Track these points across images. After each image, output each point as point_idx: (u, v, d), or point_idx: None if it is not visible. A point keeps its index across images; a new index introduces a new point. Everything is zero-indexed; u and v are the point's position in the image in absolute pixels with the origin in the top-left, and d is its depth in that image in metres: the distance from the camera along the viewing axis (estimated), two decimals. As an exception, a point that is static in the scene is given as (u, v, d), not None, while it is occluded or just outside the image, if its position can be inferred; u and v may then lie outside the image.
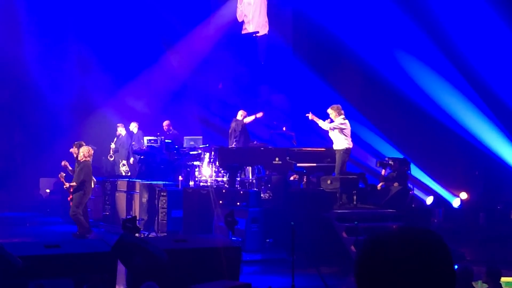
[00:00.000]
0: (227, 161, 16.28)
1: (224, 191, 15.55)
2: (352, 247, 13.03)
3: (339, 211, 14.50)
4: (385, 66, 18.94)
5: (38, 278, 7.85)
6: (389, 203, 15.09)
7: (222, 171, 16.96)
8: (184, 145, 19.36)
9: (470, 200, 18.01)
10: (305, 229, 12.78)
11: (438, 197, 17.77)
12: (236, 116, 18.22)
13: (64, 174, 15.20)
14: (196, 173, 17.40)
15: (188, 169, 17.95)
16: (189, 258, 9.11)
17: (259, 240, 14.30)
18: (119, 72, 23.32)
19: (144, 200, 16.95)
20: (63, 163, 15.55)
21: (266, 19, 22.31)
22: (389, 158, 16.45)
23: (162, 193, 16.30)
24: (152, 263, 8.57)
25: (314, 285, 10.97)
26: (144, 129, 21.53)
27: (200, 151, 17.94)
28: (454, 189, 18.10)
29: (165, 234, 15.67)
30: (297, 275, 10.10)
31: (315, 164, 16.06)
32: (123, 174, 21.11)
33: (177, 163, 18.85)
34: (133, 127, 21.54)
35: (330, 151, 15.73)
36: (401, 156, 16.89)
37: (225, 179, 16.78)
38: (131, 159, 21.13)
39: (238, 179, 16.48)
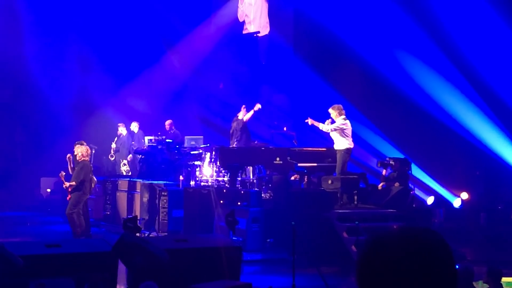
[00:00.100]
0: (228, 161, 16.28)
1: (225, 191, 15.55)
2: (353, 247, 13.03)
3: (340, 211, 14.50)
4: (386, 66, 18.93)
5: (39, 278, 7.85)
6: (390, 203, 15.09)
7: (223, 171, 16.95)
8: (185, 145, 19.37)
9: (471, 200, 18.00)
10: (306, 229, 12.78)
11: (439, 197, 17.76)
12: (237, 116, 18.23)
13: (64, 173, 15.19)
14: (197, 173, 17.40)
15: (189, 168, 17.95)
16: (190, 258, 9.11)
17: (260, 240, 14.30)
18: (120, 72, 23.33)
19: (145, 199, 16.96)
20: (60, 174, 15.50)
21: (267, 20, 22.31)
22: (390, 158, 16.45)
23: (163, 193, 16.30)
24: (153, 263, 8.57)
25: (315, 285, 10.97)
26: (145, 129, 21.54)
27: (201, 151, 17.94)
28: (455, 189, 18.09)
29: (166, 233, 15.66)
30: (297, 275, 10.10)
31: (316, 164, 16.07)
32: (124, 173, 21.12)
33: (178, 163, 18.85)
34: (134, 126, 21.56)
35: (331, 151, 15.73)
36: (402, 156, 16.89)
37: (226, 179, 16.78)
38: (129, 156, 21.12)
39: (239, 179, 16.48)
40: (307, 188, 15.94)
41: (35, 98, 23.45)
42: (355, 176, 15.55)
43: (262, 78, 22.44)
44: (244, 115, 17.95)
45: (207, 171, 17.15)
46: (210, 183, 16.70)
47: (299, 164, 15.62)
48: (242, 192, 15.08)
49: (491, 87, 17.60)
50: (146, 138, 20.20)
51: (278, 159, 15.75)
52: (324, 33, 19.99)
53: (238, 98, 19.81)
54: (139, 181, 17.63)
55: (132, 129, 21.60)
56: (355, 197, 15.08)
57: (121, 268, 9.10)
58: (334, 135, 15.22)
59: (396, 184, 15.60)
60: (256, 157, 16.38)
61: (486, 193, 18.23)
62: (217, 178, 16.98)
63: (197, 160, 17.70)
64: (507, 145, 17.72)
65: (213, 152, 17.05)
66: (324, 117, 15.65)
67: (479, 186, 18.43)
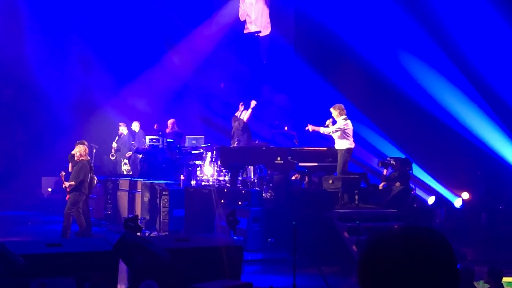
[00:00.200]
0: (229, 160, 16.28)
1: (226, 190, 15.56)
2: (354, 247, 13.02)
3: (340, 210, 14.50)
4: (387, 66, 18.93)
5: (40, 277, 7.86)
6: (390, 203, 15.09)
7: (224, 171, 16.95)
8: (186, 144, 19.38)
9: (472, 200, 18.00)
10: (307, 229, 12.78)
11: (440, 197, 17.76)
12: (235, 115, 18.25)
13: (64, 173, 15.19)
14: (198, 172, 17.40)
15: (190, 168, 17.96)
16: (191, 257, 9.12)
17: (261, 239, 14.30)
18: (121, 71, 23.34)
19: (146, 199, 16.96)
20: (61, 173, 15.48)
21: (269, 20, 22.32)
22: (391, 158, 16.45)
23: (164, 192, 16.31)
24: (154, 262, 8.57)
25: (316, 285, 10.97)
26: (146, 128, 21.54)
27: (202, 150, 17.94)
28: (456, 189, 18.09)
29: (167, 233, 15.67)
30: (298, 275, 10.09)
31: (317, 164, 16.06)
32: (125, 173, 21.13)
33: (179, 162, 18.86)
34: (135, 126, 21.57)
35: (332, 151, 15.72)
36: (403, 156, 16.88)
37: (227, 178, 16.78)
38: (129, 153, 21.09)
39: (240, 178, 16.48)
40: (308, 188, 15.93)
41: (36, 98, 23.46)
42: (356, 176, 15.55)
43: (263, 78, 22.45)
44: (244, 115, 17.97)
45: (208, 171, 17.15)
46: (211, 183, 16.71)
47: (300, 164, 15.62)
48: (243, 191, 15.08)
49: (492, 87, 17.59)
50: (147, 137, 20.20)
51: (279, 158, 15.75)
52: (325, 33, 19.99)
53: (239, 98, 19.80)
54: (140, 181, 17.63)
55: (133, 129, 21.60)
56: (356, 197, 15.08)
57: (122, 268, 9.10)
58: (335, 135, 15.21)
59: (397, 184, 15.59)
60: (257, 157, 16.38)
61: (487, 193, 18.22)
62: (218, 178, 16.98)
63: (198, 160, 17.70)
64: (508, 145, 17.71)
65: (214, 152, 17.05)
66: (325, 116, 15.64)
67: (480, 186, 18.43)
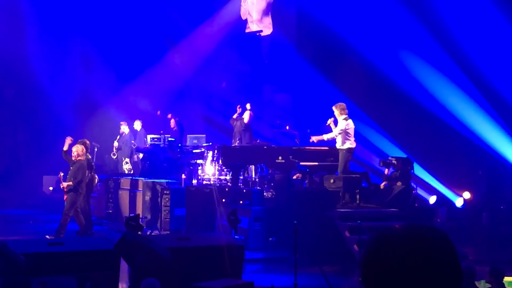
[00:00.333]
0: (230, 159, 16.28)
1: (227, 189, 15.56)
2: (355, 246, 13.02)
3: (342, 210, 14.50)
4: (389, 66, 18.92)
5: (41, 276, 7.86)
6: (392, 203, 15.09)
7: (225, 170, 16.97)
8: (187, 143, 19.39)
9: (473, 200, 17.99)
10: (308, 228, 12.79)
11: (441, 197, 17.75)
12: (240, 114, 18.29)
13: (63, 174, 15.19)
14: (199, 172, 17.41)
15: (191, 167, 17.96)
16: (192, 256, 9.12)
17: (262, 238, 14.31)
18: (123, 71, 23.35)
19: (147, 198, 16.97)
20: (59, 174, 15.47)
21: (270, 20, 22.32)
22: (392, 157, 16.44)
23: (165, 191, 16.31)
24: (155, 261, 8.57)
25: (317, 284, 10.97)
26: (147, 128, 21.55)
27: (203, 150, 17.95)
28: (457, 189, 18.08)
29: (168, 232, 15.67)
30: (299, 274, 10.09)
31: (318, 163, 16.05)
32: (126, 172, 21.13)
33: (180, 162, 18.86)
34: (137, 125, 21.57)
35: (333, 150, 15.71)
36: (404, 156, 16.87)
37: (228, 177, 16.79)
38: (140, 155, 20.99)
39: (241, 177, 16.49)
40: (309, 187, 15.93)
41: (37, 97, 23.47)
42: (357, 175, 15.54)
43: (265, 77, 22.45)
44: (244, 117, 18.03)
45: (209, 170, 17.16)
46: (212, 182, 16.72)
47: (301, 163, 15.61)
48: (244, 190, 15.09)
49: (493, 86, 17.58)
50: (149, 136, 20.21)
51: (280, 158, 15.75)
52: (327, 32, 19.98)
53: (240, 97, 19.82)
54: (141, 180, 17.63)
55: (135, 128, 21.62)
56: (357, 196, 15.08)
57: (123, 266, 9.10)
58: (335, 130, 15.18)
59: (399, 183, 15.59)
60: (258, 156, 16.38)
61: (489, 193, 18.21)
62: (219, 177, 17.00)
63: (199, 159, 17.71)
64: (510, 144, 17.70)
65: (216, 151, 17.06)
66: (326, 116, 15.64)
67: (481, 186, 18.41)
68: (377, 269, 1.76)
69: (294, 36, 22.33)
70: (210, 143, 18.34)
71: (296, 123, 20.22)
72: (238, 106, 18.51)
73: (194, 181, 17.30)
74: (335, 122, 15.25)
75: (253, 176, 16.80)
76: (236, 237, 12.46)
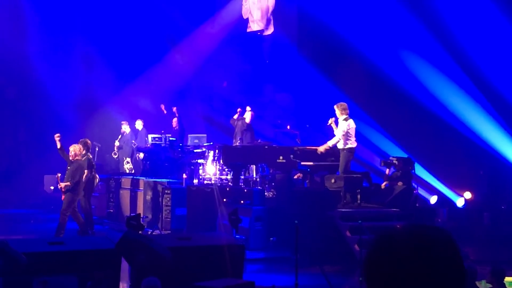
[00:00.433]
0: (231, 159, 16.28)
1: (228, 189, 15.56)
2: (356, 246, 13.01)
3: (343, 210, 14.49)
4: (390, 66, 18.91)
5: (42, 275, 7.86)
6: (393, 202, 15.09)
7: (226, 169, 16.97)
8: (188, 143, 19.39)
9: (474, 200, 17.98)
10: (309, 228, 12.79)
11: (442, 197, 17.74)
12: (240, 116, 18.28)
13: (60, 174, 15.22)
14: (200, 171, 17.42)
15: (192, 167, 17.96)
16: (193, 256, 9.12)
17: (263, 238, 14.31)
18: (124, 70, 23.35)
19: (148, 197, 16.97)
20: (56, 175, 15.48)
21: (271, 19, 22.31)
22: (393, 157, 16.43)
23: (166, 191, 16.31)
24: (156, 261, 8.58)
25: (318, 284, 10.97)
26: (148, 127, 21.55)
27: (204, 149, 17.95)
28: (458, 189, 18.07)
29: (169, 232, 15.68)
30: (300, 274, 10.09)
31: (319, 163, 16.04)
32: (127, 171, 21.13)
33: (181, 161, 18.87)
34: (138, 124, 21.58)
35: (334, 150, 15.70)
36: (405, 155, 16.87)
37: (229, 177, 16.79)
38: (141, 154, 20.96)
39: (242, 177, 16.49)
40: (310, 187, 15.93)
41: (39, 96, 23.47)
42: (358, 175, 15.53)
43: (266, 77, 22.44)
44: (246, 117, 18.05)
45: (210, 170, 17.16)
46: (213, 182, 16.72)
47: (302, 163, 15.61)
48: (245, 190, 15.09)
49: (495, 86, 17.57)
50: (150, 136, 20.21)
51: (281, 157, 15.75)
52: (328, 32, 19.98)
53: (241, 97, 19.83)
54: (142, 179, 17.64)
55: (136, 127, 21.63)
56: (358, 196, 15.07)
57: (124, 266, 9.11)
58: (337, 133, 15.18)
59: (400, 183, 15.58)
60: (259, 156, 16.38)
61: (490, 193, 18.20)
62: (220, 177, 17.00)
63: (200, 158, 17.72)
64: (511, 144, 17.69)
65: (217, 151, 17.07)
66: (327, 115, 15.64)
67: (482, 186, 18.40)
68: (380, 269, 1.76)
69: (295, 36, 22.33)
70: (211, 143, 18.35)
71: (297, 123, 20.21)
72: (238, 108, 18.55)
73: (195, 181, 17.31)
74: (336, 122, 15.24)
75: (254, 175, 16.80)
76: (237, 236, 12.46)
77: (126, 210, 17.56)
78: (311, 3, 21.11)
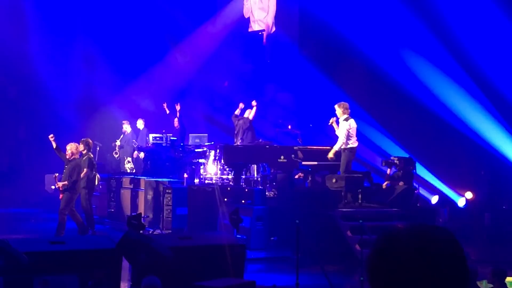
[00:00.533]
0: (232, 159, 16.28)
1: (229, 189, 15.56)
2: (357, 246, 13.01)
3: (344, 209, 14.49)
4: (391, 65, 18.90)
5: (43, 274, 7.86)
6: (394, 202, 15.08)
7: (227, 169, 16.97)
8: (190, 143, 19.39)
9: (475, 200, 17.97)
10: (310, 228, 12.78)
11: (443, 197, 17.73)
12: (241, 113, 18.26)
13: (58, 174, 15.23)
14: (201, 171, 17.42)
15: (193, 166, 17.97)
16: (194, 256, 9.12)
17: (264, 238, 14.30)
18: (125, 69, 23.34)
19: (149, 197, 16.97)
20: (54, 175, 15.49)
21: (273, 19, 22.31)
22: (394, 157, 16.43)
23: (167, 191, 16.31)
24: (157, 260, 8.58)
25: (319, 284, 10.96)
26: (150, 127, 21.55)
27: (205, 149, 17.95)
28: (460, 189, 18.06)
29: (170, 231, 15.68)
30: (301, 273, 10.09)
31: (320, 163, 16.04)
32: (128, 171, 21.13)
33: (182, 161, 18.86)
34: (140, 124, 21.58)
35: (337, 151, 15.69)
36: (406, 155, 16.87)
37: (230, 177, 16.79)
38: (141, 154, 20.93)
39: (243, 177, 16.49)
40: (311, 187, 15.92)
41: (40, 95, 23.47)
42: (359, 175, 15.53)
43: (267, 77, 22.43)
44: (249, 114, 18.02)
45: (212, 169, 17.16)
46: (214, 181, 16.72)
47: (303, 163, 15.60)
48: (246, 190, 15.08)
49: (496, 86, 17.56)
50: (151, 135, 20.20)
51: (282, 157, 15.74)
52: (329, 31, 19.97)
53: (243, 96, 19.81)
54: (143, 179, 17.64)
55: (138, 126, 21.63)
56: (360, 196, 15.07)
57: (125, 265, 9.11)
58: (339, 134, 15.18)
59: (401, 183, 15.58)
60: (261, 155, 16.38)
61: (491, 193, 18.18)
62: (221, 176, 17.00)
63: (201, 158, 17.72)
64: (512, 144, 17.69)
65: (218, 150, 17.06)
66: (328, 115, 15.64)
67: (483, 186, 18.39)
68: (384, 269, 1.75)
69: (296, 35, 22.32)
70: (212, 142, 18.35)
71: (298, 123, 20.21)
72: (241, 103, 18.48)
73: (196, 180, 17.30)
74: (337, 122, 15.24)
75: (255, 175, 16.80)
76: (238, 236, 12.46)
77: (127, 209, 17.56)
78: (312, 3, 21.10)
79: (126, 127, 21.57)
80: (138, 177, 18.33)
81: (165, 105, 20.91)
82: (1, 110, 23.50)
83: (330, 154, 15.22)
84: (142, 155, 20.73)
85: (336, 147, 15.11)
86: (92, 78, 23.42)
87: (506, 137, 17.70)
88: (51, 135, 15.15)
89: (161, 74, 23.35)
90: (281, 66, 22.11)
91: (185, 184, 16.81)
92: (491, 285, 7.89)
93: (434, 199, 17.29)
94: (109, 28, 23.06)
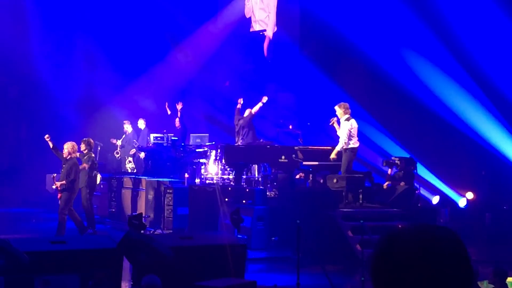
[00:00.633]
0: (233, 158, 16.28)
1: (230, 188, 15.56)
2: (358, 246, 13.01)
3: (344, 209, 14.49)
4: (392, 65, 18.90)
5: (44, 274, 7.87)
6: (395, 202, 15.08)
7: (228, 169, 16.97)
8: (191, 143, 19.39)
9: (476, 200, 17.97)
10: (311, 228, 12.78)
11: (444, 197, 17.73)
12: (241, 114, 18.24)
13: (56, 174, 15.24)
14: (202, 171, 17.42)
15: (194, 166, 17.97)
16: (195, 256, 9.12)
17: (265, 238, 14.30)
18: (126, 69, 23.34)
19: (150, 197, 16.98)
20: (52, 176, 15.50)
21: (274, 19, 22.31)
22: (395, 157, 16.43)
23: (168, 190, 16.32)
24: (158, 260, 8.58)
25: (319, 284, 10.97)
26: (151, 126, 21.55)
27: (206, 149, 17.95)
28: (460, 189, 18.06)
29: (171, 231, 15.68)
30: (302, 273, 10.09)
31: (321, 163, 16.04)
32: (129, 171, 21.14)
33: (183, 161, 18.87)
34: (141, 123, 21.59)
35: (338, 151, 15.69)
36: (407, 156, 16.87)
37: (231, 176, 16.79)
38: (142, 154, 20.91)
39: (244, 177, 16.49)
40: (312, 187, 15.92)
41: (41, 95, 23.48)
42: (360, 175, 15.53)
43: (268, 76, 22.43)
44: (254, 108, 17.94)
45: (212, 169, 17.16)
46: (215, 181, 16.72)
47: (304, 163, 15.60)
48: (247, 190, 15.08)
49: (497, 86, 17.55)
50: (152, 135, 20.20)
51: (283, 157, 15.74)
52: (330, 31, 19.97)
53: (244, 96, 19.81)
54: (144, 179, 17.65)
55: (139, 126, 21.63)
56: (360, 196, 15.07)
57: (126, 265, 9.11)
58: (341, 134, 15.19)
59: (402, 183, 15.58)
60: (261, 155, 16.38)
61: (492, 193, 18.18)
62: (222, 176, 17.00)
63: (202, 158, 17.72)
64: (513, 145, 17.68)
65: (219, 150, 17.06)
66: (329, 115, 15.64)
67: (484, 186, 18.39)
68: (388, 269, 1.75)
69: (297, 35, 22.32)
70: (213, 142, 18.34)
71: (299, 123, 20.20)
72: (240, 99, 18.41)
73: (197, 180, 17.31)
74: (338, 122, 15.24)
75: (256, 175, 16.80)
76: (238, 236, 12.47)
77: (128, 209, 17.57)
78: (313, 3, 21.10)
79: (127, 127, 21.57)
80: (139, 177, 18.34)
81: (167, 105, 20.91)
82: (2, 110, 23.52)
83: (333, 155, 15.22)
84: (142, 155, 20.73)
85: (338, 148, 15.12)
86: (93, 77, 23.42)
87: (507, 137, 17.70)
88: (47, 136, 15.16)
89: (162, 74, 23.35)
90: (282, 66, 22.11)
91: (186, 184, 16.81)
92: (492, 286, 7.89)
93: (435, 199, 17.29)
94: (110, 27, 23.06)
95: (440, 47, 18.00)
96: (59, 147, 15.24)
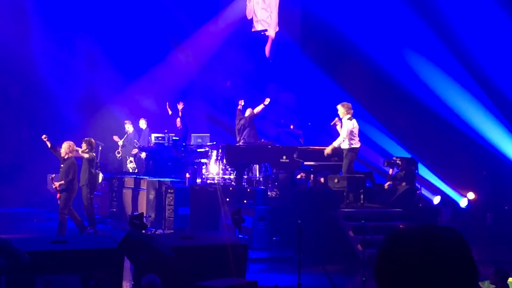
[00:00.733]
0: (234, 158, 16.28)
1: (231, 188, 15.56)
2: (359, 246, 13.01)
3: (346, 210, 14.49)
4: (393, 65, 18.90)
5: (45, 274, 7.86)
6: (396, 203, 15.07)
7: (229, 169, 16.96)
8: (192, 143, 19.39)
9: (477, 200, 17.97)
10: (312, 228, 12.77)
11: (445, 197, 17.73)
12: (242, 113, 18.24)
13: (54, 175, 15.24)
14: (203, 171, 17.42)
15: (195, 166, 17.97)
16: (196, 255, 9.11)
17: (266, 238, 14.30)
18: (127, 69, 23.34)
19: (151, 197, 16.98)
20: (51, 176, 15.51)
21: (276, 19, 22.30)
22: (396, 157, 16.43)
23: (169, 190, 16.32)
24: (159, 260, 8.57)
25: (320, 284, 10.96)
26: (152, 126, 21.55)
27: (207, 149, 17.95)
28: (462, 189, 18.06)
29: (172, 231, 15.68)
30: (303, 273, 10.09)
31: (322, 163, 16.04)
32: (130, 170, 21.14)
33: (185, 161, 18.87)
34: (142, 123, 21.59)
35: (337, 150, 15.69)
36: (408, 156, 16.86)
37: (232, 176, 16.78)
38: (143, 154, 20.90)
39: (245, 177, 16.48)
40: (313, 187, 15.92)
41: (42, 95, 23.48)
42: (361, 175, 15.52)
43: (269, 76, 22.42)
44: (256, 108, 17.94)
45: (214, 169, 17.15)
46: (216, 181, 16.71)
47: (305, 163, 15.60)
48: (248, 190, 15.08)
49: (498, 86, 17.55)
50: (153, 135, 20.20)
51: (284, 157, 15.73)
52: (331, 31, 19.97)
53: (245, 96, 19.80)
54: (145, 178, 17.65)
55: (140, 126, 21.63)
56: (362, 196, 15.06)
57: (127, 265, 9.11)
58: (342, 133, 15.18)
59: (403, 183, 15.57)
60: (263, 155, 16.37)
61: (493, 193, 18.19)
62: (224, 176, 16.99)
63: (203, 158, 17.71)
64: (514, 145, 17.68)
65: (220, 150, 17.06)
66: (330, 115, 15.63)
67: (485, 186, 18.39)
68: (391, 269, 1.75)
69: (298, 35, 22.32)
70: (214, 142, 18.34)
71: (300, 122, 20.20)
72: (241, 101, 18.42)
73: (198, 180, 17.30)
74: (341, 122, 15.23)
75: (257, 175, 16.79)
76: (240, 236, 12.46)
77: (129, 209, 17.58)
78: (314, 3, 21.10)
79: (128, 127, 21.58)
80: (140, 176, 18.35)
81: (168, 105, 20.90)
82: (3, 110, 23.52)
83: (328, 150, 15.22)
84: (144, 155, 20.73)
85: (335, 143, 15.12)
86: (94, 77, 23.42)
87: (508, 137, 17.70)
88: (44, 136, 15.16)
89: (163, 74, 23.35)
90: (283, 66, 22.11)
91: (187, 184, 16.81)
92: (494, 286, 7.88)
93: (436, 200, 17.28)
94: (111, 27, 23.06)
95: (441, 47, 18.00)
96: (55, 147, 15.23)
